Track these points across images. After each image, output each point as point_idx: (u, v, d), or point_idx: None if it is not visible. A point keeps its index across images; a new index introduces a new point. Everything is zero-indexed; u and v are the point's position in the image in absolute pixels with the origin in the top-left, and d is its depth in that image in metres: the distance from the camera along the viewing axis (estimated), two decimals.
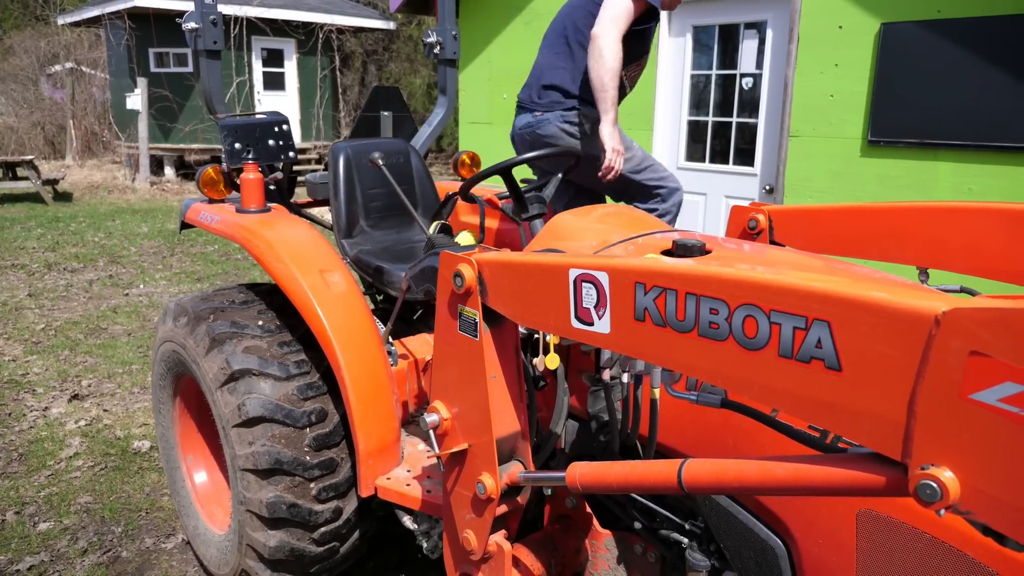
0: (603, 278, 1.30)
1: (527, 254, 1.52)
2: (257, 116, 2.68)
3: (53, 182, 12.79)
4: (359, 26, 17.51)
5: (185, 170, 15.73)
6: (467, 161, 3.26)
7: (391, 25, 18.07)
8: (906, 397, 0.94)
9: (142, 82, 14.33)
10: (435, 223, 2.47)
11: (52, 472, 3.62)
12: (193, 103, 15.56)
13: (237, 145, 2.58)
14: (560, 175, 2.48)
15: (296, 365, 2.29)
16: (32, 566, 2.88)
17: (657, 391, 1.60)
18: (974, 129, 4.17)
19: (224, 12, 14.15)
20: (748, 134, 5.35)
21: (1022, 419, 0.85)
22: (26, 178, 12.43)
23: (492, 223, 3.08)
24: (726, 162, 5.50)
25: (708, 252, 1.68)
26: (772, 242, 2.38)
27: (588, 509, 1.96)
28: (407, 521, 2.23)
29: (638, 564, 1.87)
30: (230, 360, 2.25)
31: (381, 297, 3.06)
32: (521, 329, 1.84)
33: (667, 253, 1.73)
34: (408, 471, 2.26)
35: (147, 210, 12.18)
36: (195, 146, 15.51)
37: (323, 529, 2.30)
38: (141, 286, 7.25)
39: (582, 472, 1.44)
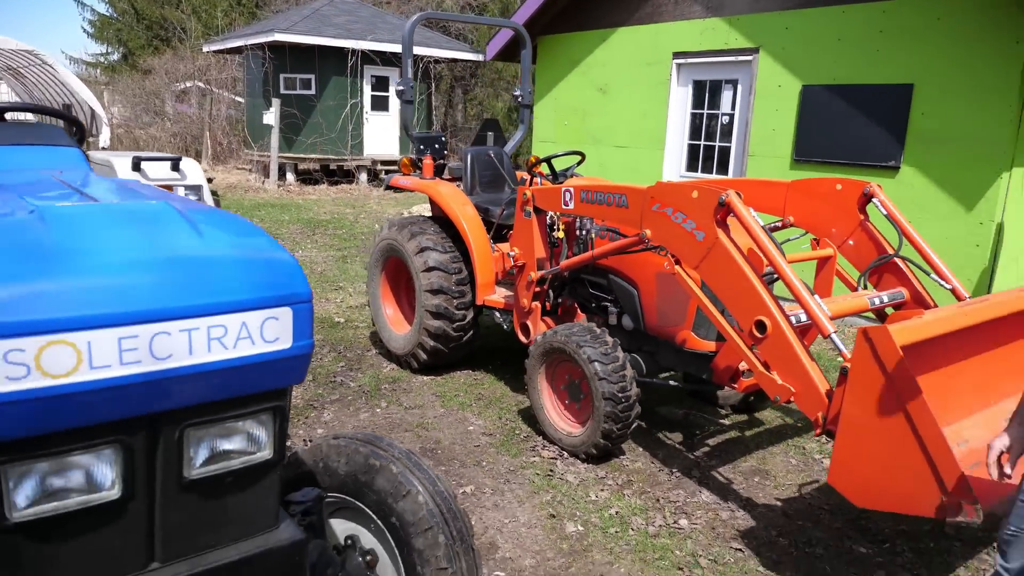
0: (572, 190, 4.00)
1: (555, 187, 4.25)
2: (430, 133, 5.48)
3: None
4: (453, 58, 20.58)
5: (302, 176, 19.00)
6: (532, 160, 5.98)
7: (480, 57, 21.10)
8: (640, 211, 3.60)
9: (275, 102, 17.67)
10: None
11: None
12: (313, 120, 18.86)
13: (422, 147, 5.38)
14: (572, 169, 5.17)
15: (450, 247, 5.04)
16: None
17: (594, 232, 4.30)
18: (848, 152, 6.65)
19: (343, 45, 17.40)
20: (724, 153, 7.91)
21: (667, 215, 3.49)
22: None
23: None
24: (710, 172, 8.05)
25: None
26: None
27: (577, 307, 4.63)
28: (496, 316, 4.94)
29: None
30: (421, 242, 5.01)
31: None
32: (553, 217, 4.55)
33: None
34: (498, 295, 4.97)
35: (282, 205, 15.36)
36: (312, 156, 18.78)
37: (458, 323, 5.02)
38: (299, 252, 10.23)
39: (564, 263, 4.15)
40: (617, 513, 3.49)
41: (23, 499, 1.35)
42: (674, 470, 3.95)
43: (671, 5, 8.21)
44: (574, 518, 3.44)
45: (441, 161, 5.51)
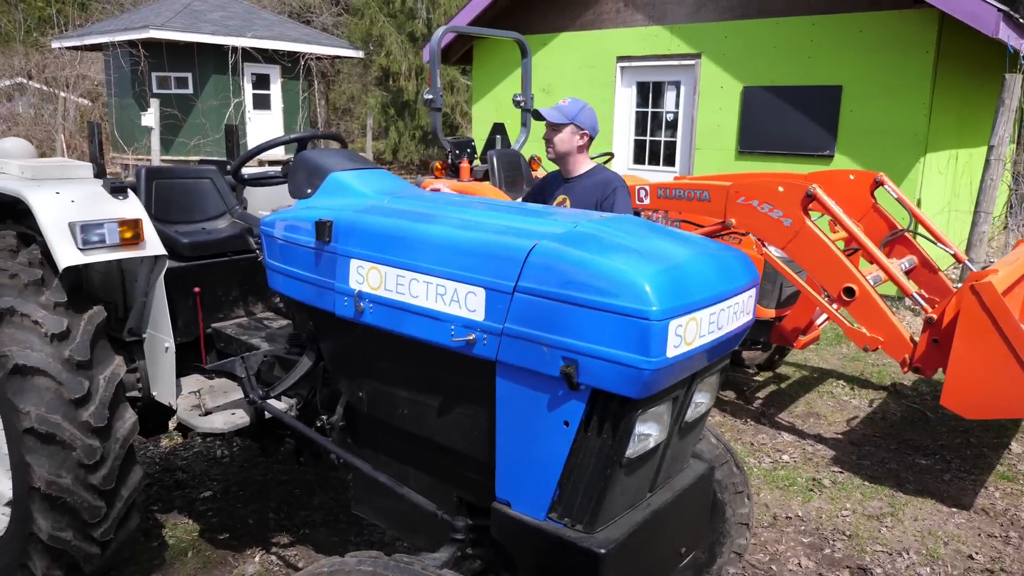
0: (647, 187, 4.59)
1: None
2: (462, 139, 5.85)
3: None
4: (335, 55, 20.35)
5: None
6: (537, 160, 6.49)
7: (360, 53, 21.00)
8: (724, 204, 4.25)
9: (155, 102, 16.74)
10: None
11: None
12: (194, 120, 18.03)
13: (457, 151, 5.74)
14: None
15: None
16: None
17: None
18: (789, 144, 7.74)
19: (222, 43, 16.78)
20: (670, 147, 8.81)
21: (753, 207, 4.16)
22: None
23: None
24: (657, 164, 8.92)
25: None
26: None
27: None
28: None
29: None
30: None
31: None
32: None
33: None
34: None
35: None
36: (195, 158, 17.93)
37: None
38: None
39: None
40: None
41: (633, 442, 1.78)
42: (747, 420, 4.68)
43: (613, 13, 8.98)
44: None
45: (475, 164, 5.91)
